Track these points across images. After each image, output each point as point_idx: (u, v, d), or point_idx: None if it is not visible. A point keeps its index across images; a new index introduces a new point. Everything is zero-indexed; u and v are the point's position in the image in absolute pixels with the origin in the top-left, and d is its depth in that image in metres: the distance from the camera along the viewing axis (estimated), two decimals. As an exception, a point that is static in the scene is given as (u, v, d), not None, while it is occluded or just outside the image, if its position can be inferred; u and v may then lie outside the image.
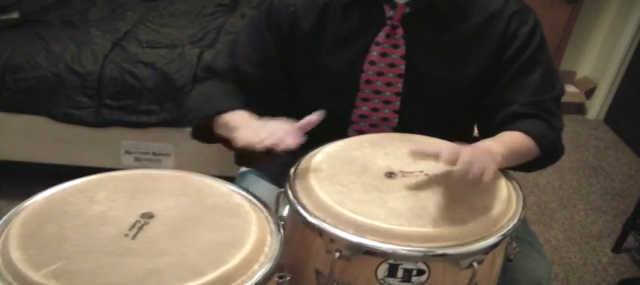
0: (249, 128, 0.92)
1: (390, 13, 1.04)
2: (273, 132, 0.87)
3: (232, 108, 1.00)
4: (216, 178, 0.86)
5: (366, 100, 1.09)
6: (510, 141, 0.97)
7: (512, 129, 1.00)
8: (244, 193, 0.84)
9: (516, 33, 1.03)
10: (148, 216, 0.75)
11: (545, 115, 1.02)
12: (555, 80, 1.07)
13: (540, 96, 1.03)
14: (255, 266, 0.69)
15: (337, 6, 1.06)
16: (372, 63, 1.06)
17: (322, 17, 1.06)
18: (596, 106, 3.03)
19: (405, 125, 1.09)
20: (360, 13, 1.06)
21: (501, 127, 1.02)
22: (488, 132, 1.05)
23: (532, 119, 1.01)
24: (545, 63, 1.05)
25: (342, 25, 1.06)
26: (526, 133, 0.99)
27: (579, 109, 3.09)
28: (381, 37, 1.04)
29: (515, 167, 1.01)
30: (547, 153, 1.02)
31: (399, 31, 1.04)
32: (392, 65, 1.05)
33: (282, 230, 0.77)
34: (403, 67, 1.05)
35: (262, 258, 0.71)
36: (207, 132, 1.05)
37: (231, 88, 1.08)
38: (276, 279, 0.75)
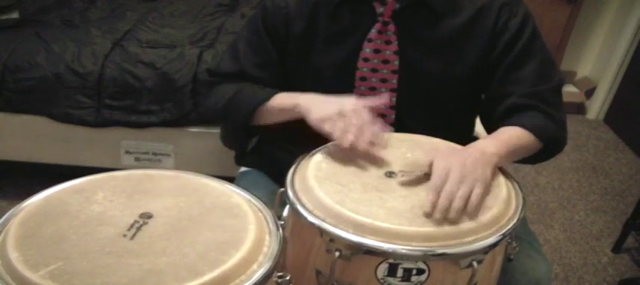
0: (323, 105, 0.97)
1: (380, 9, 1.04)
2: (355, 124, 0.92)
3: (275, 92, 1.05)
4: (214, 178, 0.86)
5: (361, 96, 1.09)
6: (509, 137, 0.97)
7: (511, 123, 1.00)
8: (243, 193, 0.84)
9: (506, 26, 1.03)
10: (147, 216, 0.75)
11: (543, 107, 1.02)
12: (552, 71, 1.06)
13: (537, 87, 1.03)
14: (254, 266, 0.69)
15: (327, 5, 1.06)
16: (366, 60, 1.06)
17: (313, 17, 1.07)
18: (596, 106, 3.03)
19: (402, 121, 1.10)
20: (350, 10, 1.06)
21: (501, 121, 1.02)
22: (489, 126, 1.06)
23: (531, 112, 1.01)
24: (539, 54, 1.04)
25: (334, 24, 1.07)
26: (525, 127, 0.99)
27: (579, 109, 3.09)
28: (373, 33, 1.05)
29: (519, 161, 1.01)
30: (548, 145, 1.01)
31: (391, 27, 1.04)
32: (385, 61, 1.05)
33: (281, 230, 0.77)
34: (397, 62, 1.06)
35: (261, 258, 0.71)
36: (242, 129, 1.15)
37: (250, 84, 1.10)
38: (275, 279, 0.75)
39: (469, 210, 0.81)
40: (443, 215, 0.79)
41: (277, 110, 1.05)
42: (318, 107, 0.97)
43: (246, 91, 1.09)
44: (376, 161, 0.94)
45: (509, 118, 1.02)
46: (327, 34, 1.07)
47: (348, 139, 0.91)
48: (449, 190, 0.82)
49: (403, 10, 1.04)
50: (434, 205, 0.80)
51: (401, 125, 1.10)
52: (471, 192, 0.82)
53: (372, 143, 0.93)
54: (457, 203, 0.80)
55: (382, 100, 1.01)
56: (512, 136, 0.98)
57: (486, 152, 0.90)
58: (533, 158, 1.03)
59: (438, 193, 0.82)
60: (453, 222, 0.79)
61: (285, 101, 1.04)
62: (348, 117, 0.93)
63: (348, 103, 0.96)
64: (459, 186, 0.82)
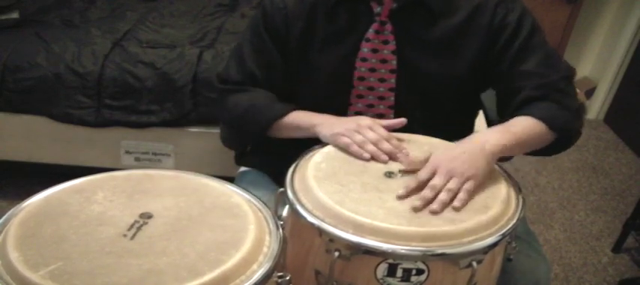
0: (339, 122, 1.00)
1: (377, 9, 1.04)
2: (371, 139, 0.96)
3: (292, 109, 1.07)
4: (214, 178, 0.86)
5: (360, 96, 1.09)
6: (516, 128, 0.97)
7: (522, 114, 1.00)
8: (243, 193, 0.84)
9: (504, 22, 1.03)
10: (147, 216, 0.75)
11: (557, 96, 1.01)
12: (559, 62, 1.06)
13: (547, 78, 1.02)
14: (254, 266, 0.69)
15: (325, 5, 1.06)
16: (364, 60, 1.06)
17: (312, 17, 1.07)
18: (596, 106, 3.03)
19: None
20: (347, 10, 1.06)
21: (515, 114, 1.02)
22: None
23: (542, 102, 1.01)
24: (541, 47, 1.04)
25: (331, 24, 1.07)
26: (534, 116, 0.99)
27: (579, 109, 3.09)
28: (370, 33, 1.05)
29: (536, 153, 1.01)
30: (561, 135, 1.01)
31: (388, 27, 1.04)
32: (383, 61, 1.06)
33: (281, 230, 0.77)
34: (395, 62, 1.06)
35: (261, 258, 0.71)
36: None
37: (263, 93, 1.11)
38: (275, 279, 0.75)
39: (456, 204, 0.81)
40: (423, 204, 0.81)
41: (293, 127, 1.06)
42: (334, 124, 1.00)
43: (261, 103, 1.10)
44: (376, 161, 0.94)
45: (520, 110, 1.02)
46: (325, 34, 1.07)
47: (367, 151, 0.94)
48: (434, 183, 0.83)
49: (400, 9, 1.04)
50: (407, 192, 0.83)
51: None
52: (460, 187, 0.83)
53: (391, 157, 0.95)
54: (442, 196, 0.82)
55: (398, 121, 1.02)
56: (522, 126, 0.98)
57: (486, 145, 0.90)
58: (548, 149, 1.02)
59: (422, 184, 0.84)
60: (434, 212, 0.80)
61: (302, 119, 1.06)
62: (364, 131, 0.96)
63: (364, 119, 0.99)
64: (446, 180, 0.84)
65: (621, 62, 2.84)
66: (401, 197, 0.83)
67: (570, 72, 1.06)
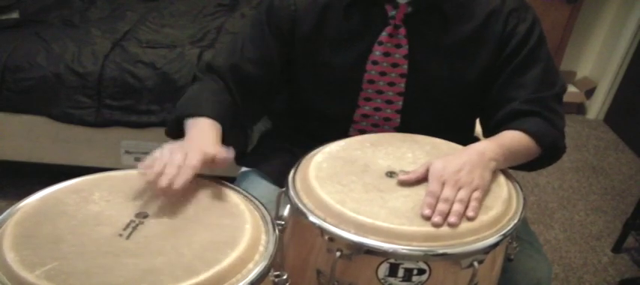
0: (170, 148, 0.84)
1: (392, 12, 1.03)
2: (167, 171, 0.79)
3: (198, 114, 0.95)
4: (211, 178, 0.86)
5: (368, 99, 1.08)
6: (509, 141, 0.97)
7: (513, 128, 1.00)
8: (239, 192, 0.84)
9: (514, 30, 1.02)
10: (143, 216, 0.74)
11: (546, 113, 1.01)
12: (556, 77, 1.06)
13: (541, 93, 1.02)
14: (250, 265, 0.69)
15: (338, 6, 1.05)
16: (375, 63, 1.05)
17: (323, 17, 1.05)
18: (596, 106, 3.02)
19: (407, 125, 1.09)
20: (361, 12, 1.05)
21: (502, 125, 1.02)
22: (490, 130, 1.05)
23: (533, 117, 1.01)
24: (544, 60, 1.04)
25: (344, 25, 1.05)
26: (526, 132, 0.99)
27: (579, 109, 3.09)
28: (383, 36, 1.04)
29: (517, 167, 1.00)
30: (548, 151, 1.01)
31: (402, 31, 1.03)
32: (395, 65, 1.05)
33: (277, 229, 0.76)
34: (406, 66, 1.05)
35: (257, 257, 0.71)
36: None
37: (221, 90, 1.04)
38: (272, 278, 0.75)
39: (469, 214, 0.80)
40: (443, 218, 0.79)
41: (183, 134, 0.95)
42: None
43: (198, 96, 1.01)
44: (377, 161, 0.94)
45: (511, 123, 1.01)
46: (337, 36, 1.05)
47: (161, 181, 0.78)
48: (446, 196, 0.81)
49: (415, 14, 1.03)
50: (432, 209, 0.80)
51: (405, 127, 1.09)
52: (470, 196, 0.82)
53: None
54: (457, 207, 0.80)
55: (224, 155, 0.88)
56: (513, 140, 0.97)
57: (485, 156, 0.90)
58: (530, 165, 1.02)
59: (435, 197, 0.82)
60: (453, 225, 0.79)
61: (187, 130, 0.94)
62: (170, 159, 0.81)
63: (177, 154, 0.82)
64: (455, 191, 0.82)
65: (621, 62, 2.84)
66: (427, 217, 0.79)
67: (563, 89, 1.06)
